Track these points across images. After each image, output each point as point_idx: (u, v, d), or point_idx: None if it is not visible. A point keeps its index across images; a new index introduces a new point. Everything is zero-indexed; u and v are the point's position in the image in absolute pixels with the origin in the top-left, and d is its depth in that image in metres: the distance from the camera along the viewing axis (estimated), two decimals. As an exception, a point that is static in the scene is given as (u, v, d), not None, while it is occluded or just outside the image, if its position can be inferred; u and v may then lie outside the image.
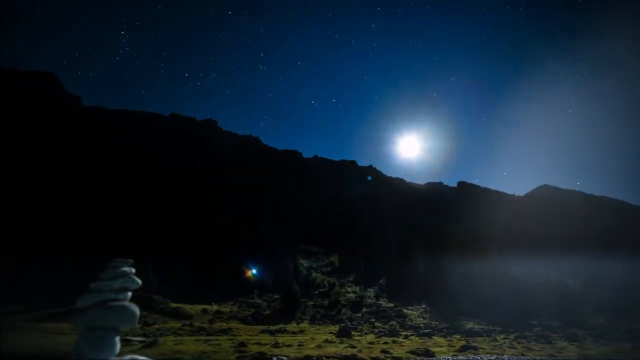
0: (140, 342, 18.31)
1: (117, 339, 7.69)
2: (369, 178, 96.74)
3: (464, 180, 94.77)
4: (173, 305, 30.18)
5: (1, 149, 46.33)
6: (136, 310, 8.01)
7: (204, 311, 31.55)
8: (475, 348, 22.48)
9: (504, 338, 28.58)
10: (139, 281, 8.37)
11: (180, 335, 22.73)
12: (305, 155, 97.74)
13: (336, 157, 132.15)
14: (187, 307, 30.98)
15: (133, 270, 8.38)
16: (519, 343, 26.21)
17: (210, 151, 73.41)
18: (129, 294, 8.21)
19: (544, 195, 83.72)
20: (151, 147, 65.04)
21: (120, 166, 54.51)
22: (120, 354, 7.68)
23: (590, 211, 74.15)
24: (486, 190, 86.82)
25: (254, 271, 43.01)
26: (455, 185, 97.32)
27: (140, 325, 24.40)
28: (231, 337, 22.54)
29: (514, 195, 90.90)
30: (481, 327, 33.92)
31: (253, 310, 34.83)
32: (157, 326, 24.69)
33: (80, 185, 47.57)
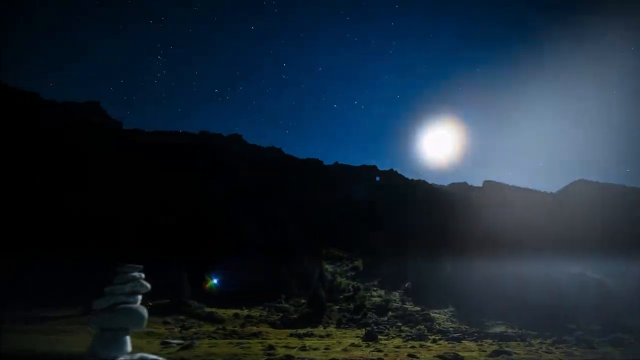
0: (178, 344, 19.62)
1: (128, 338, 8.59)
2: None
3: (491, 179, 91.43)
4: (207, 309, 31.75)
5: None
6: (144, 312, 8.89)
7: (236, 315, 32.87)
8: (509, 353, 21.69)
9: (540, 343, 27.20)
10: (148, 285, 9.28)
11: (215, 338, 23.89)
12: (326, 162, 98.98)
13: (357, 163, 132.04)
14: (221, 312, 32.44)
15: (143, 275, 9.34)
16: (557, 348, 24.86)
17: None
18: (139, 297, 9.17)
19: (578, 191, 78.93)
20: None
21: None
22: (131, 353, 8.56)
23: (631, 206, 69.01)
24: (514, 189, 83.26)
25: (215, 281, 41.31)
26: (480, 184, 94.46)
27: (179, 329, 26.05)
28: (261, 341, 23.44)
29: (545, 192, 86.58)
30: (514, 331, 32.66)
31: (281, 314, 35.76)
32: (193, 330, 26.20)
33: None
